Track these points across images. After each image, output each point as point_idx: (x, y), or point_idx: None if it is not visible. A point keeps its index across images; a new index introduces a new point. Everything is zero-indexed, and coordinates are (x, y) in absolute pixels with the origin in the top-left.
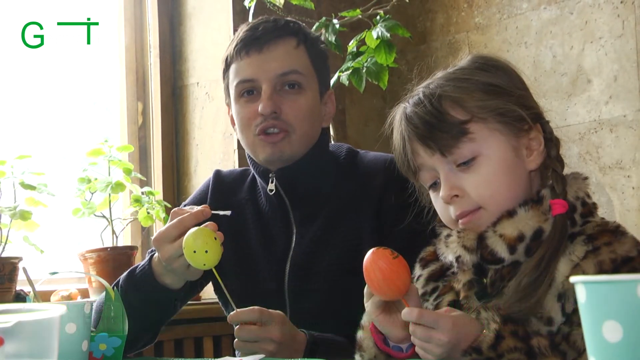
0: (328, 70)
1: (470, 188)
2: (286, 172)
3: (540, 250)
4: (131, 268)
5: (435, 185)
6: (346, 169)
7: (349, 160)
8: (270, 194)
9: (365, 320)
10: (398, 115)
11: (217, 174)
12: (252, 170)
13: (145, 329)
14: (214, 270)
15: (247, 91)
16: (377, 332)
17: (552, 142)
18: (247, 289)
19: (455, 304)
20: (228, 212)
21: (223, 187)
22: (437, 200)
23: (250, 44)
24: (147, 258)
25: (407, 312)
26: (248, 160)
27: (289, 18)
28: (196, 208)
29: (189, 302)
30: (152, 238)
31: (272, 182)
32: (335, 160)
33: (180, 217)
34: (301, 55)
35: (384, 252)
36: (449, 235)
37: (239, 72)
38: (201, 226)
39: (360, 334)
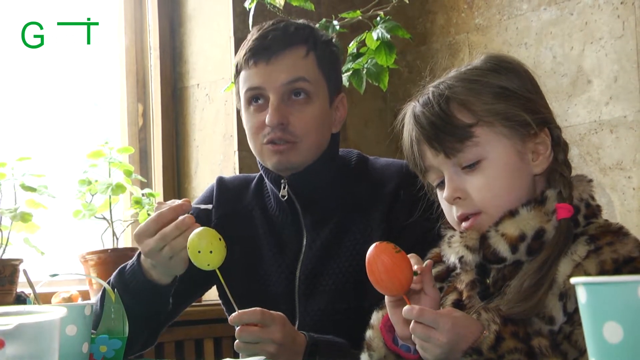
0: (339, 74)
1: (473, 191)
2: (298, 178)
3: (543, 253)
4: (121, 266)
5: (441, 185)
6: (357, 175)
7: (359, 166)
8: (283, 199)
9: (374, 319)
10: (408, 113)
11: (221, 181)
12: (264, 176)
13: (140, 327)
14: (217, 271)
15: (255, 98)
16: (386, 331)
17: (559, 147)
18: (257, 293)
19: (458, 303)
20: (209, 206)
21: (228, 194)
22: (442, 199)
23: (259, 54)
24: (135, 256)
25: (408, 310)
26: (259, 166)
27: (300, 21)
28: (177, 202)
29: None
30: (134, 233)
31: (284, 188)
32: (345, 166)
33: (159, 211)
34: (309, 63)
35: (387, 246)
36: (452, 236)
37: (247, 80)
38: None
39: (369, 334)
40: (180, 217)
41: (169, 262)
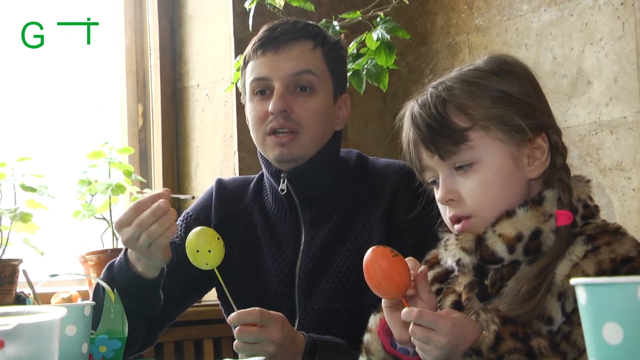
0: (345, 75)
1: (466, 194)
2: (298, 172)
3: (543, 260)
4: (110, 262)
5: (435, 184)
6: (357, 174)
7: (359, 166)
8: (282, 193)
9: (372, 323)
10: (407, 113)
11: (220, 183)
12: (264, 169)
13: (134, 325)
14: (215, 270)
15: (260, 91)
16: (384, 334)
17: (557, 152)
18: (257, 292)
19: (457, 305)
20: (190, 196)
21: (227, 195)
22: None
23: (267, 43)
24: (122, 251)
25: (407, 312)
26: (260, 159)
27: (310, 22)
28: (155, 192)
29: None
30: (114, 222)
31: (283, 182)
32: (345, 165)
33: (137, 200)
34: (317, 57)
35: (384, 250)
36: (447, 239)
37: (254, 70)
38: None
39: (367, 338)
40: (155, 203)
41: (148, 251)
